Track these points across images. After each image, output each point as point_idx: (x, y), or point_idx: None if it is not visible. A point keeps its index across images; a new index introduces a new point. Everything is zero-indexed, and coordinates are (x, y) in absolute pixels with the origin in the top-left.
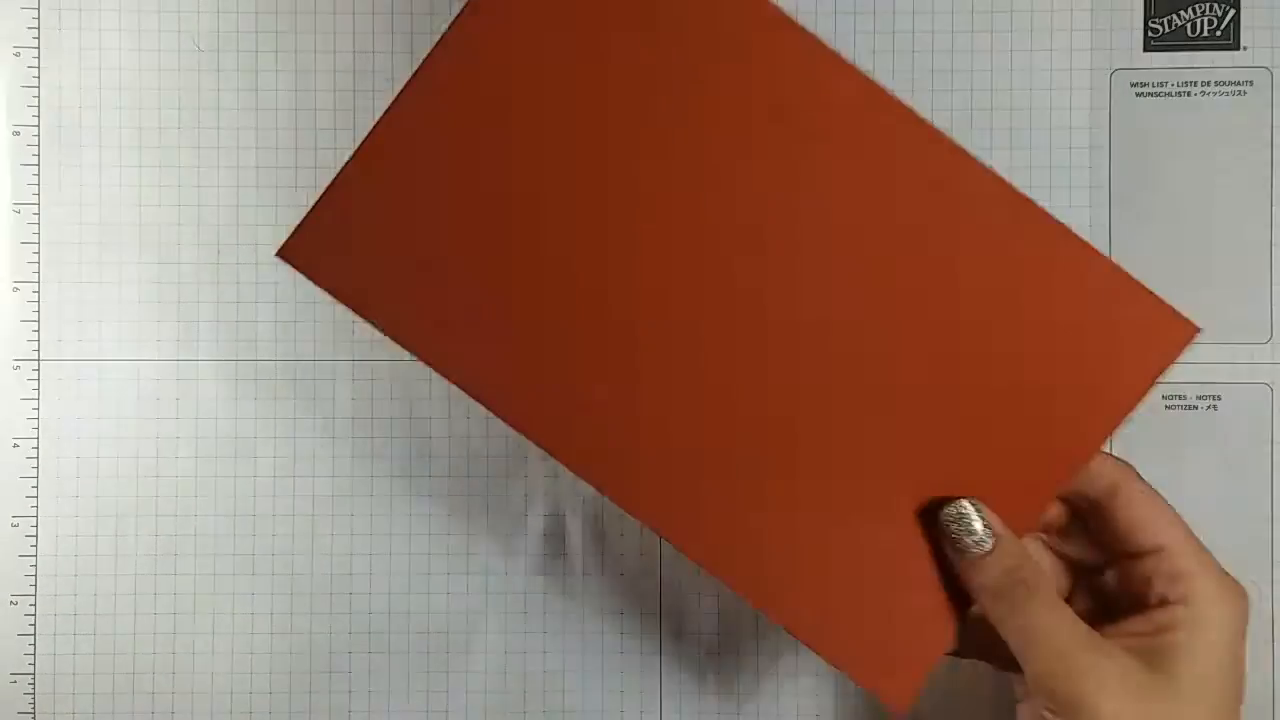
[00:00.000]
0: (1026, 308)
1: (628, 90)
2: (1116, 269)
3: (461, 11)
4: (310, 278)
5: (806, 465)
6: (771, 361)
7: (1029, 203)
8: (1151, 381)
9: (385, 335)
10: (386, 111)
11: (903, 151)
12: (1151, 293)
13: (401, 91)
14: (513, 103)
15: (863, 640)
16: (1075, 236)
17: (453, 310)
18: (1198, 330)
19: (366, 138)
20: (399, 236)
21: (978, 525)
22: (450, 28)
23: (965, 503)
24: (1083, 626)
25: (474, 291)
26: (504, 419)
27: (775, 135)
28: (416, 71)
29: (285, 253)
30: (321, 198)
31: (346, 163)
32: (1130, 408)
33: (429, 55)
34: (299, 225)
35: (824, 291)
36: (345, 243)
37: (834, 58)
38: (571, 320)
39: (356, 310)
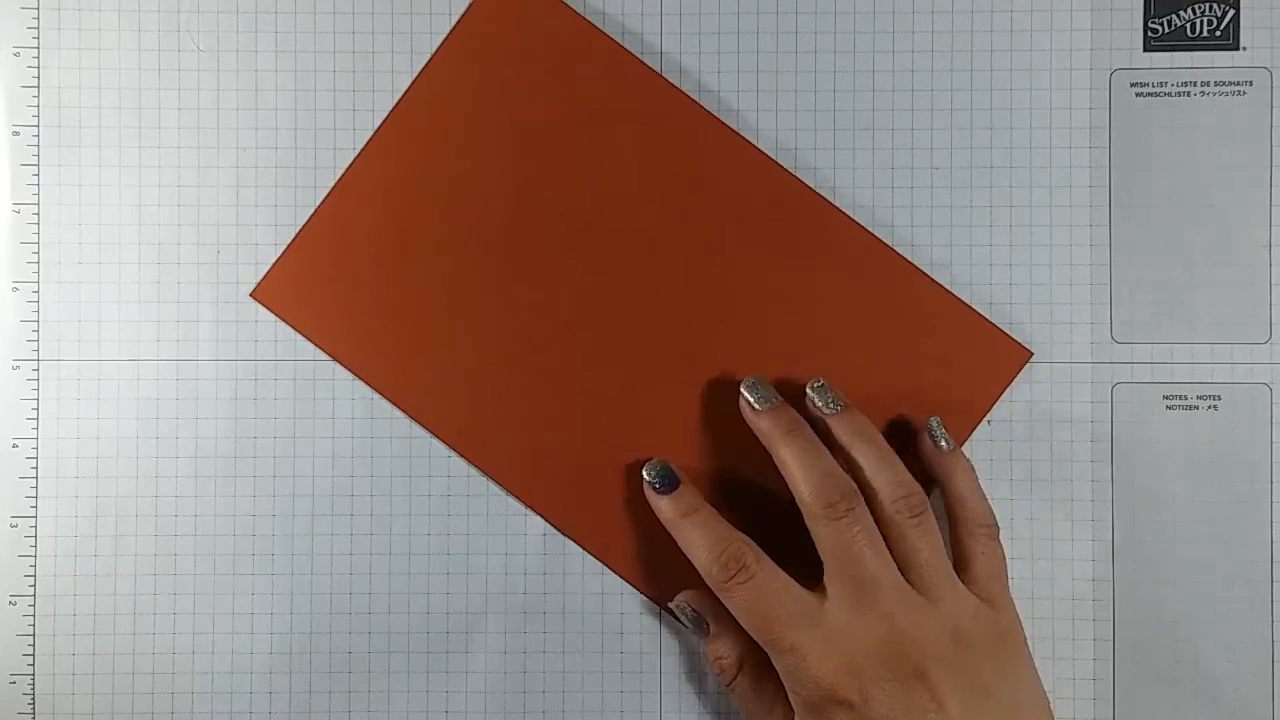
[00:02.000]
0: (895, 342)
1: (537, 161)
2: (968, 308)
3: (411, 85)
4: (280, 317)
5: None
6: (662, 382)
7: (897, 255)
8: (996, 398)
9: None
10: (341, 177)
11: (795, 218)
12: (995, 325)
13: (355, 157)
14: (447, 167)
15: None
16: (935, 282)
17: (392, 342)
18: (1031, 354)
19: (327, 196)
20: (354, 283)
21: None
22: (401, 99)
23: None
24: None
25: (405, 326)
26: (450, 445)
27: (663, 187)
28: (369, 139)
29: (258, 294)
30: (289, 247)
31: (309, 217)
32: (978, 421)
33: (380, 126)
34: (269, 271)
35: (712, 337)
36: (309, 287)
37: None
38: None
39: (319, 346)
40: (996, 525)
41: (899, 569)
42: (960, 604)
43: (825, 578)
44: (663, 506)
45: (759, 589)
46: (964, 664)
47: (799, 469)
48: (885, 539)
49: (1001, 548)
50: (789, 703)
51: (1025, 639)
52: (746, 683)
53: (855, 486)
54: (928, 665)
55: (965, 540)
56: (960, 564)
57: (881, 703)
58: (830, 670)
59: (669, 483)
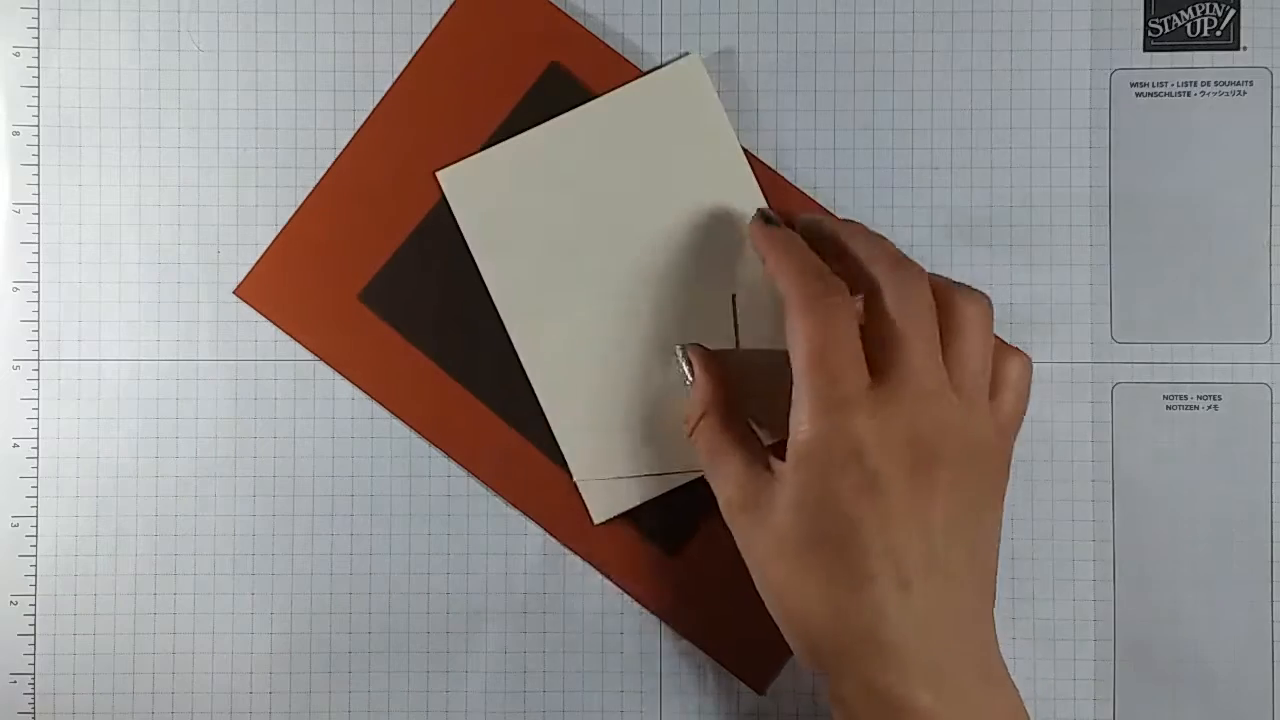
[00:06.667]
0: None
1: None
2: None
3: (394, 84)
4: (263, 314)
5: None
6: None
7: None
8: None
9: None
10: (324, 174)
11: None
12: None
13: (339, 155)
14: (431, 163)
15: (729, 631)
16: None
17: (376, 339)
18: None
19: (310, 193)
20: (338, 280)
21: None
22: (383, 98)
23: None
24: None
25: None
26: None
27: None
28: (353, 136)
29: (241, 291)
30: (272, 244)
31: (293, 215)
32: None
33: (364, 122)
34: (252, 268)
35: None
36: (293, 284)
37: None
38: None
39: (302, 344)
40: (1030, 360)
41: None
42: (987, 422)
43: (881, 351)
44: (764, 234)
45: (839, 318)
46: (972, 478)
47: (870, 244)
48: (941, 332)
49: (1029, 387)
50: (747, 462)
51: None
52: (713, 428)
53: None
54: (944, 466)
55: (1002, 366)
56: (991, 386)
57: (890, 479)
58: (861, 428)
59: (772, 220)
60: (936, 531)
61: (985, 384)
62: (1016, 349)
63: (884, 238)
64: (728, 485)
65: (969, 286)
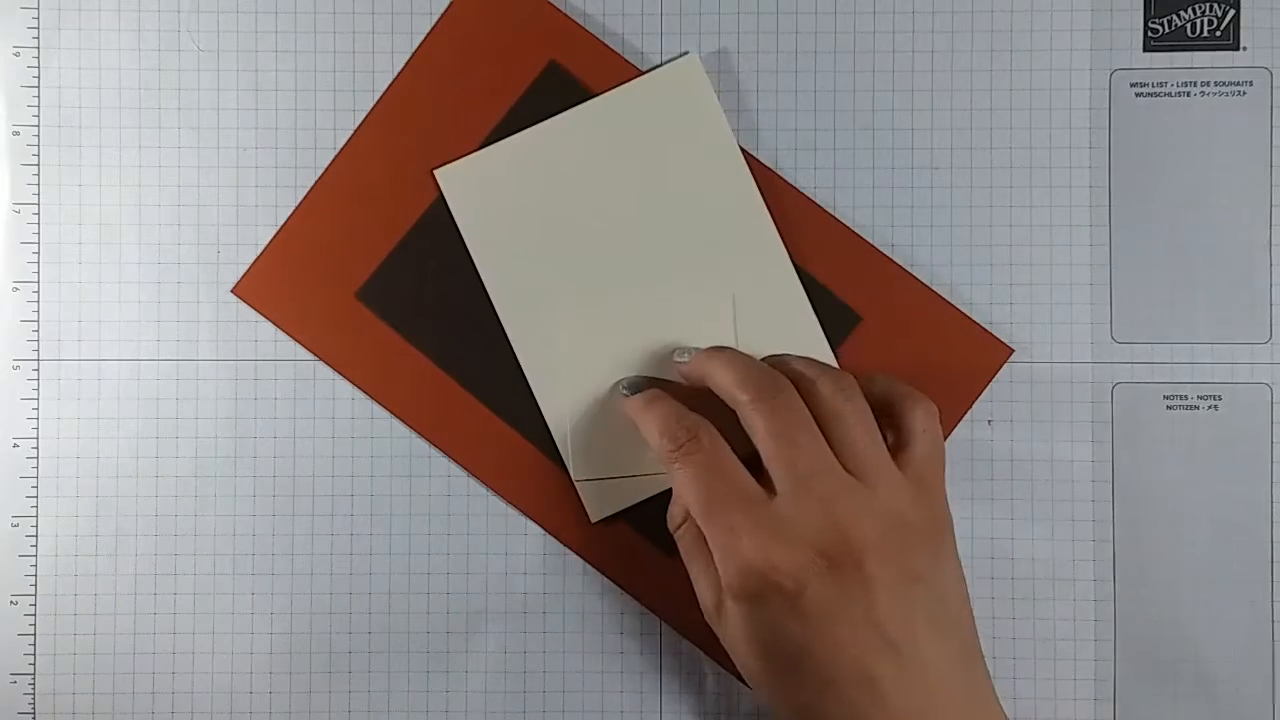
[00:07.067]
0: (877, 340)
1: None
2: (953, 307)
3: (392, 82)
4: (261, 313)
5: None
6: None
7: (876, 250)
8: (978, 395)
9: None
10: (322, 173)
11: (777, 218)
12: (976, 322)
13: (336, 154)
14: (429, 162)
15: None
16: (916, 278)
17: (374, 338)
18: (1012, 351)
19: (308, 192)
20: (336, 279)
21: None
22: (381, 97)
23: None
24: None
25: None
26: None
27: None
28: (351, 135)
29: (239, 290)
30: (270, 243)
31: (291, 213)
32: (959, 417)
33: (362, 121)
34: (250, 267)
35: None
36: (291, 283)
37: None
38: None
39: (300, 343)
40: (932, 402)
41: (836, 454)
42: (898, 490)
43: (764, 465)
44: (628, 403)
45: (705, 463)
46: (900, 553)
47: (725, 370)
48: (819, 425)
49: (939, 427)
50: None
51: (952, 524)
52: (693, 532)
53: (785, 377)
54: (865, 555)
55: (904, 418)
56: (898, 444)
57: (817, 591)
58: (768, 556)
59: (639, 388)
60: (887, 619)
61: (881, 452)
62: (912, 392)
63: (725, 356)
64: (701, 590)
65: (824, 367)
